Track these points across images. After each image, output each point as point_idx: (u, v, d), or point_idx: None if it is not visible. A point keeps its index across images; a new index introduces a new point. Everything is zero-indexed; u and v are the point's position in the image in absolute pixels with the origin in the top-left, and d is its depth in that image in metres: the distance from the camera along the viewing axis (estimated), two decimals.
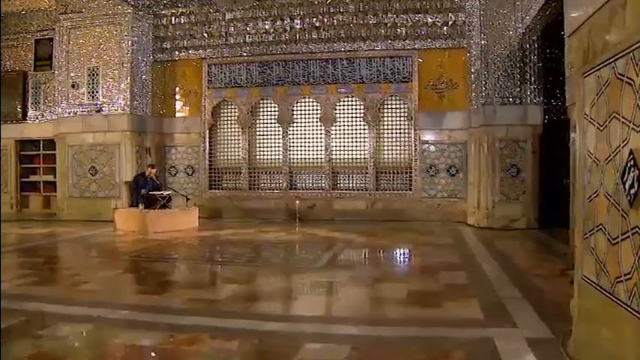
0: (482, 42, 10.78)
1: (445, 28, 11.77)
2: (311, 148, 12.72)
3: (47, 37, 13.50)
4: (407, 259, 7.98)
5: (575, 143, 7.72)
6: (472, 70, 11.14)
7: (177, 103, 13.30)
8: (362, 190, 12.42)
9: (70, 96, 12.48)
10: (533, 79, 10.71)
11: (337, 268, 6.90)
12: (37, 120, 13.78)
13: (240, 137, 13.04)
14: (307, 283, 5.93)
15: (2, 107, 13.86)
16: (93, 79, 12.33)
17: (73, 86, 12.39)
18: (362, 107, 12.33)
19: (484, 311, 4.51)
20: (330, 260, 7.30)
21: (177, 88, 13.28)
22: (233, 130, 13.19)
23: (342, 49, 12.32)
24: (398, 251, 8.55)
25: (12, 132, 13.85)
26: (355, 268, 6.80)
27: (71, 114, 12.46)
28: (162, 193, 10.67)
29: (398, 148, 12.30)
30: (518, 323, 4.14)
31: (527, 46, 10.67)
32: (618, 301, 2.62)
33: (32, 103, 13.83)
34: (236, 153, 13.12)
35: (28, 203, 14.29)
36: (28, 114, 13.86)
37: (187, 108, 13.24)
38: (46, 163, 13.87)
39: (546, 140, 10.74)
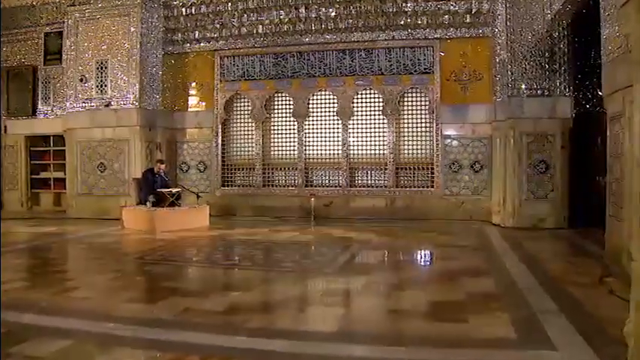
0: (508, 30, 10.11)
1: (468, 16, 11.16)
2: (327, 144, 12.21)
3: (57, 30, 13.12)
4: (428, 263, 7.41)
5: (612, 137, 7.16)
6: (497, 60, 10.51)
7: (189, 96, 12.86)
8: (381, 187, 11.86)
9: (78, 90, 12.07)
10: (562, 69, 10.01)
11: (352, 272, 6.36)
12: (47, 115, 13.44)
13: (253, 132, 12.56)
14: (318, 291, 5.41)
15: (12, 102, 13.65)
16: (101, 73, 11.91)
17: (81, 80, 11.99)
18: (381, 100, 11.77)
19: (516, 328, 3.93)
20: (345, 263, 6.78)
21: (189, 82, 12.83)
22: (246, 124, 12.71)
23: (360, 40, 11.76)
24: (418, 253, 8.00)
25: (22, 128, 13.62)
26: (372, 272, 6.23)
27: (79, 109, 12.05)
28: (171, 191, 10.21)
29: (419, 142, 11.73)
30: (556, 344, 3.56)
31: (556, 34, 9.98)
32: None
33: (42, 98, 13.51)
34: (249, 148, 12.65)
35: (38, 201, 14.01)
36: (38, 109, 13.53)
37: (199, 102, 12.79)
38: (56, 160, 13.54)
39: (576, 134, 10.09)
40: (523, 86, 10.08)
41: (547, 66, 10.02)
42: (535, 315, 4.26)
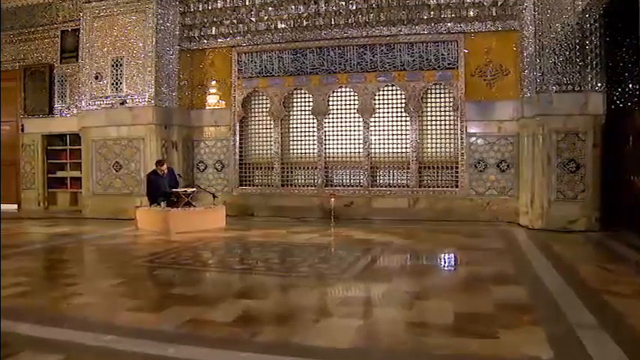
0: (536, 23, 9.63)
1: (494, 9, 10.70)
2: (348, 142, 11.84)
3: (73, 27, 12.96)
4: (452, 268, 6.99)
5: None
6: (524, 54, 10.04)
7: (206, 94, 12.57)
8: (403, 187, 11.44)
9: (93, 88, 11.86)
10: (594, 63, 9.47)
11: (372, 278, 6.00)
12: (64, 114, 13.31)
13: (272, 130, 12.24)
14: (334, 300, 5.03)
15: (29, 101, 13.59)
16: (117, 70, 11.68)
17: (96, 77, 11.77)
18: (403, 97, 11.36)
19: (553, 346, 3.50)
20: (364, 269, 6.40)
21: (206, 79, 12.55)
22: (265, 122, 12.40)
23: (381, 34, 11.36)
24: (442, 257, 7.58)
25: (38, 127, 13.54)
26: (393, 279, 5.83)
27: (95, 107, 11.84)
28: (185, 191, 9.93)
29: (443, 141, 11.30)
30: None
31: (588, 25, 9.45)
32: None
33: (58, 97, 13.39)
34: (268, 147, 12.33)
35: (55, 200, 13.88)
36: (55, 108, 13.40)
37: (216, 99, 12.50)
38: (72, 159, 13.39)
39: (606, 131, 9.57)
40: (552, 81, 9.59)
41: (577, 60, 9.50)
42: (573, 330, 3.84)
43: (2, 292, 4.95)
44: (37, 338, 3.84)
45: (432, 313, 4.42)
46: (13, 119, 13.85)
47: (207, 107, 12.57)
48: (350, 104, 11.81)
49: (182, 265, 6.77)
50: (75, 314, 4.48)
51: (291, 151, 12.28)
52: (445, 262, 7.32)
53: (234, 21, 12.04)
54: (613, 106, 9.76)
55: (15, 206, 13.85)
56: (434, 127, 11.37)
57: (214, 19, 12.14)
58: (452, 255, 7.64)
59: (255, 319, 4.36)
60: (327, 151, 11.93)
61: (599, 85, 9.46)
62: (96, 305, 4.78)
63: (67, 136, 13.38)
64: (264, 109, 12.36)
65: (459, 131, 11.00)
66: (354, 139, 11.77)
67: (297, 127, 12.24)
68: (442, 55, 11.14)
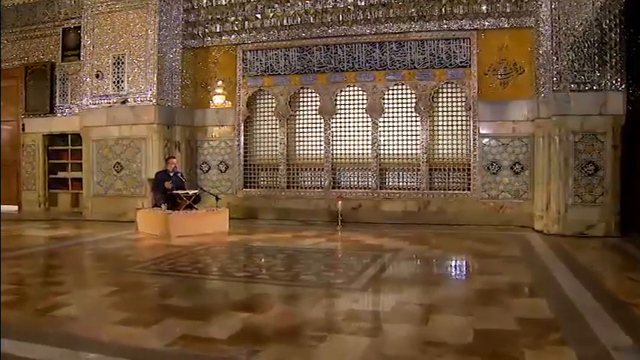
0: (553, 19, 9.23)
1: (508, 4, 10.31)
2: (356, 143, 11.48)
3: (75, 25, 12.67)
4: (467, 277, 6.60)
5: None
6: (540, 51, 9.65)
7: (209, 93, 12.22)
8: (413, 189, 11.06)
9: (94, 87, 11.55)
10: (613, 60, 9.06)
11: (381, 289, 5.64)
12: (65, 113, 13.02)
13: (277, 130, 11.88)
14: (340, 314, 4.60)
15: (30, 100, 13.32)
16: (118, 68, 11.36)
17: (97, 76, 11.47)
18: (413, 96, 10.98)
19: None
20: (372, 278, 5.99)
21: (210, 77, 12.20)
22: (270, 122, 12.04)
23: (391, 31, 10.98)
24: (455, 265, 7.22)
25: (39, 126, 13.27)
26: (403, 289, 5.42)
27: (96, 106, 11.53)
28: (187, 192, 9.58)
29: (454, 142, 10.91)
30: None
31: (607, 22, 9.05)
32: None
33: (60, 95, 13.10)
34: (273, 147, 11.97)
35: (56, 201, 13.57)
36: (56, 107, 13.11)
37: (222, 99, 12.15)
38: (74, 159, 13.06)
39: (628, 133, 9.15)
40: (569, 80, 9.17)
41: (596, 57, 9.09)
42: (607, 351, 3.43)
43: None
44: (12, 356, 3.47)
45: (449, 330, 4.01)
46: (14, 119, 13.58)
47: (211, 106, 12.22)
48: (358, 104, 11.44)
49: (180, 273, 6.39)
50: (59, 328, 4.11)
51: (297, 151, 11.91)
52: (459, 271, 6.95)
53: (239, 18, 11.69)
54: (630, 107, 9.34)
55: (15, 207, 13.58)
56: (445, 127, 10.98)
57: (219, 16, 11.80)
58: (466, 263, 7.27)
59: (254, 334, 3.97)
60: (335, 152, 11.57)
61: (618, 83, 9.04)
62: (83, 318, 4.42)
63: (69, 135, 13.07)
64: (270, 109, 12.01)
65: (472, 132, 10.62)
66: (363, 140, 11.40)
67: (303, 127, 11.88)
68: (454, 52, 10.76)
